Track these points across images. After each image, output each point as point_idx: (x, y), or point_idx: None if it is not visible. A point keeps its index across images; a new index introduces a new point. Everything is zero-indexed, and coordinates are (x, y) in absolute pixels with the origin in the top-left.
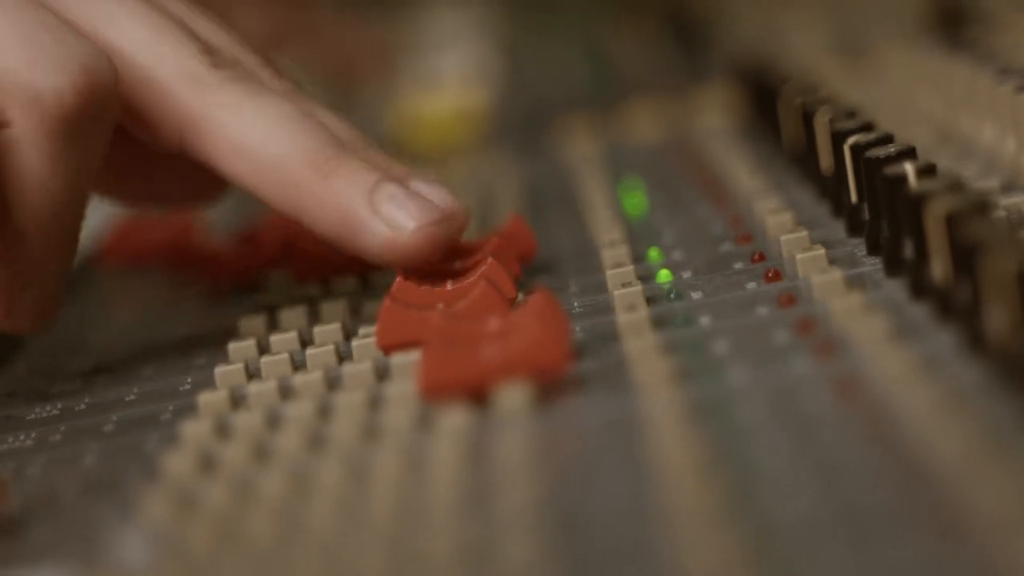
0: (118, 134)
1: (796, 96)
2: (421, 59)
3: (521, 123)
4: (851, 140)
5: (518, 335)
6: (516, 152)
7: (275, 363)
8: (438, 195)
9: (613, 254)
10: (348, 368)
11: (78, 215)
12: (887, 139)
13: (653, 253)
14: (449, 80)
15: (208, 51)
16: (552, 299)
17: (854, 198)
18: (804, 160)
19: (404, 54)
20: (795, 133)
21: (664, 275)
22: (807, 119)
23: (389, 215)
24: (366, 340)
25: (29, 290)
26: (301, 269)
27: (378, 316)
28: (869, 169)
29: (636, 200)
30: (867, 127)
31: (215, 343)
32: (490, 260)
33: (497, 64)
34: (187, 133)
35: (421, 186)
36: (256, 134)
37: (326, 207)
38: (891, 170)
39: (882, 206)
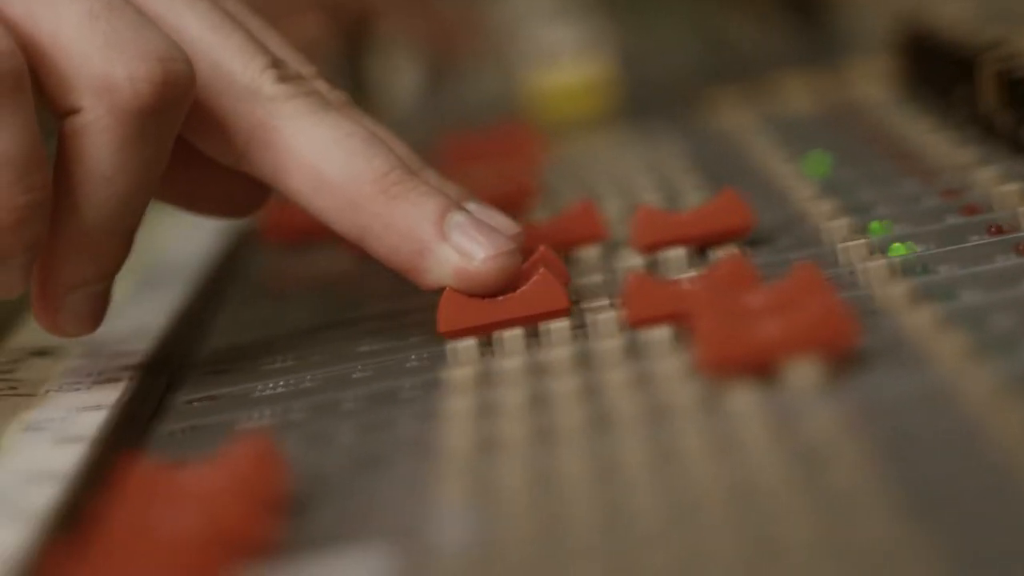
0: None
1: (996, 63)
2: (525, 33)
3: (649, 96)
4: None
5: (803, 309)
6: (658, 125)
7: (511, 338)
8: (502, 222)
9: (834, 227)
10: (598, 344)
11: (139, 215)
12: None
13: (875, 226)
14: (563, 53)
15: (275, 64)
16: (820, 273)
17: None
18: (1013, 129)
19: (505, 28)
20: (995, 102)
21: (899, 248)
22: (1014, 87)
23: (459, 243)
24: (607, 315)
25: (77, 291)
26: None
27: (625, 290)
28: None
29: (824, 171)
30: None
31: (410, 318)
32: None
33: (608, 38)
34: (248, 146)
35: (485, 213)
36: (322, 152)
37: (392, 231)
38: None
39: None
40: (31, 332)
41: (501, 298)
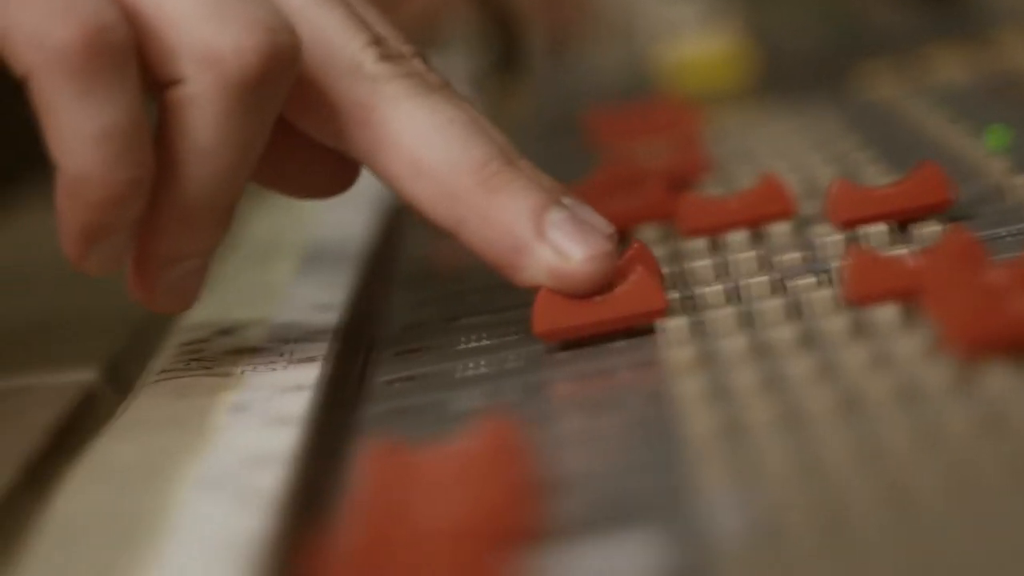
0: None
1: None
2: (646, 7)
3: (789, 69)
4: None
5: None
6: (807, 98)
7: (723, 318)
8: (597, 221)
9: None
10: (819, 323)
11: (240, 189)
12: None
13: None
14: (687, 27)
15: (377, 41)
16: None
17: None
18: None
19: (624, 3)
20: None
21: None
22: None
23: (556, 242)
24: (821, 293)
25: (176, 267)
26: (688, 220)
27: (847, 266)
28: None
29: (1004, 144)
30: None
31: None
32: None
33: (731, 11)
34: (346, 124)
35: (581, 210)
36: (421, 136)
37: (490, 225)
38: None
39: None
40: (211, 309)
41: (598, 299)
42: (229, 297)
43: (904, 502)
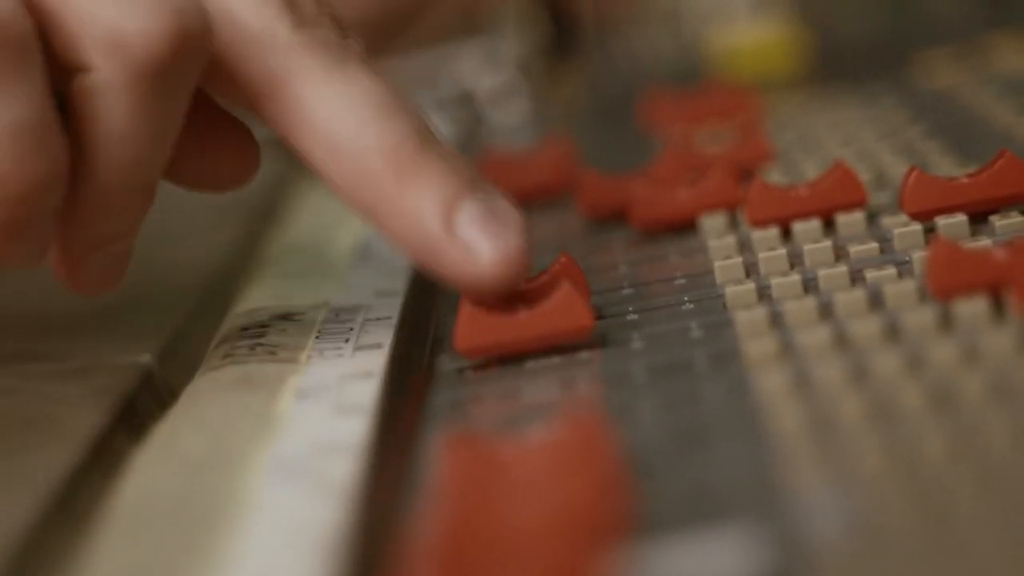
0: None
1: None
2: None
3: (846, 57)
4: None
5: None
6: (867, 86)
7: (800, 310)
8: (512, 214)
9: None
10: (904, 316)
11: (158, 170)
12: None
13: None
14: (738, 12)
15: (290, 6)
16: None
17: None
18: None
19: None
20: None
21: None
22: None
23: (467, 238)
24: (902, 285)
25: (98, 251)
26: (757, 209)
27: (931, 258)
28: None
29: None
30: None
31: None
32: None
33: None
34: (261, 97)
35: (494, 200)
36: (333, 114)
37: (400, 214)
38: None
39: None
40: (270, 293)
41: (522, 315)
42: (288, 281)
43: (1004, 498)
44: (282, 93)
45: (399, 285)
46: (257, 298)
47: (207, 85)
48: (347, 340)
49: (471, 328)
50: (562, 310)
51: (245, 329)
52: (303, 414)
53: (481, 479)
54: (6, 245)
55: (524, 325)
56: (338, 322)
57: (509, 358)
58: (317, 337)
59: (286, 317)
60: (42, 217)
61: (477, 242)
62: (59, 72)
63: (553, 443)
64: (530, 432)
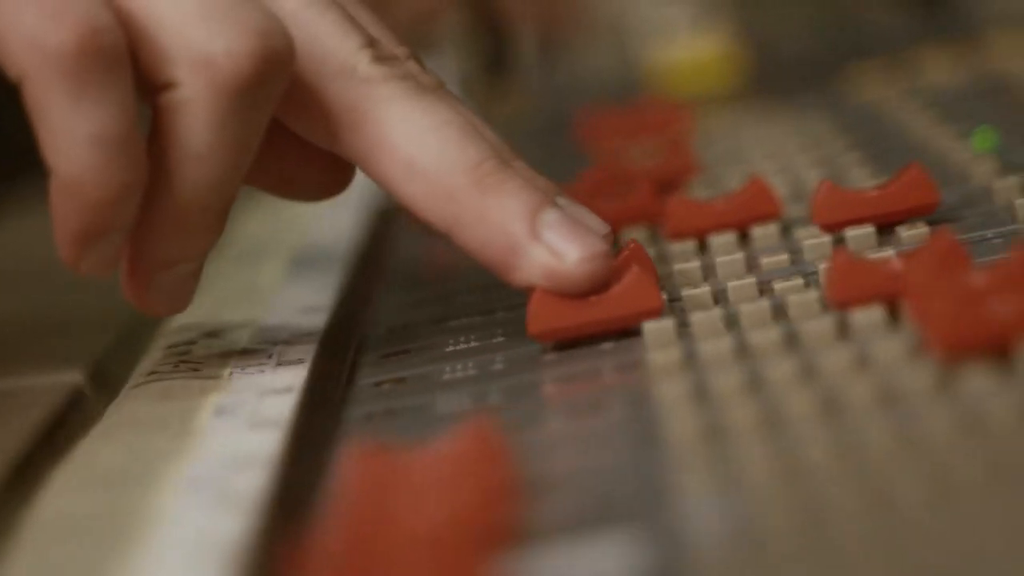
0: None
1: None
2: (637, 8)
3: (780, 71)
4: None
5: None
6: (798, 100)
7: (707, 320)
8: (593, 221)
9: None
10: (803, 325)
11: (233, 193)
12: None
13: None
14: (679, 28)
15: (371, 43)
16: None
17: None
18: None
19: (615, 4)
20: None
21: None
22: None
23: (551, 242)
24: (805, 295)
25: (166, 270)
26: (675, 222)
27: (830, 269)
28: None
29: (991, 146)
30: None
31: None
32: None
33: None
34: (340, 127)
35: (576, 210)
36: (415, 138)
37: (484, 225)
38: None
39: None
40: (199, 311)
41: (593, 299)
42: (217, 299)
43: (883, 505)
44: (363, 121)
45: (325, 302)
46: (187, 316)
47: (288, 118)
48: (270, 356)
49: (543, 312)
50: (632, 293)
51: (172, 347)
52: (219, 429)
53: (379, 489)
54: (78, 250)
55: (595, 308)
56: (263, 339)
57: (434, 369)
58: (241, 354)
59: (213, 335)
60: (116, 227)
61: (562, 244)
62: (146, 88)
63: (448, 453)
64: (431, 443)
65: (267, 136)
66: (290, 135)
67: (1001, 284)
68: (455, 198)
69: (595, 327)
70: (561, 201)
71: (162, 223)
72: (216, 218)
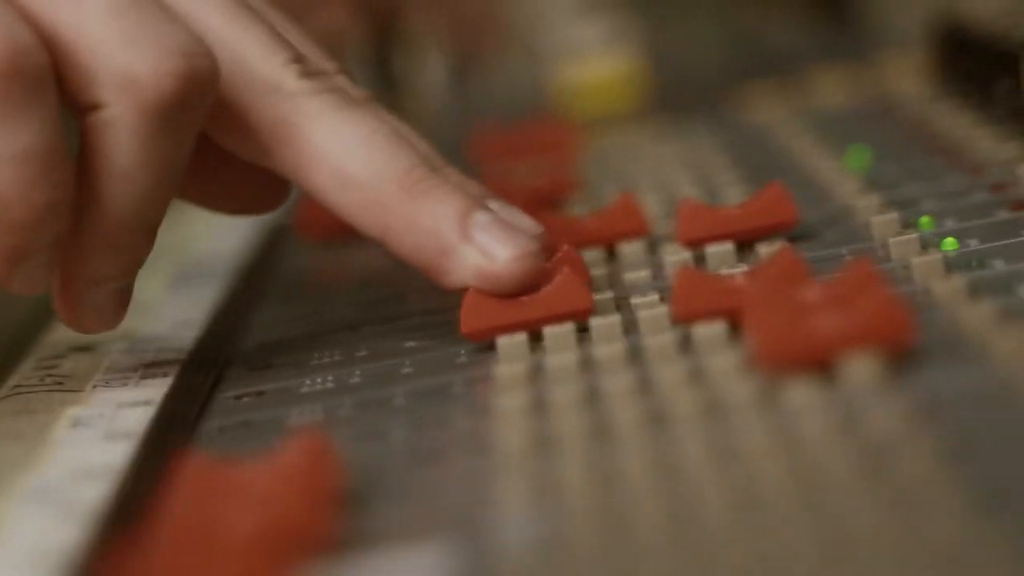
0: None
1: None
2: (550, 28)
3: (680, 91)
4: None
5: (860, 304)
6: (692, 120)
7: (561, 335)
8: (525, 222)
9: (883, 221)
10: (648, 340)
11: (161, 211)
12: None
13: (925, 221)
14: (590, 48)
15: (298, 59)
16: (875, 267)
17: None
18: None
19: (530, 23)
20: None
21: (951, 243)
22: None
23: (482, 243)
24: (655, 310)
25: (100, 288)
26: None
27: (674, 284)
28: None
29: (864, 165)
30: None
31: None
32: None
33: (633, 34)
34: (271, 142)
35: (508, 212)
36: (345, 149)
37: (415, 230)
38: None
39: None
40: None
41: (524, 299)
42: None
43: (687, 513)
44: (292, 134)
45: (201, 316)
46: (61, 330)
47: (219, 135)
48: (136, 369)
49: (475, 312)
50: (563, 294)
51: (42, 360)
52: (73, 441)
53: (208, 499)
54: (7, 269)
55: (527, 308)
56: (132, 352)
57: (294, 383)
58: (108, 368)
59: (83, 349)
60: (44, 246)
61: (492, 245)
62: (71, 108)
63: (275, 465)
64: (265, 455)
65: (201, 153)
66: (224, 151)
67: (829, 301)
68: (386, 206)
69: (526, 326)
70: (492, 204)
71: (91, 241)
72: (145, 235)
